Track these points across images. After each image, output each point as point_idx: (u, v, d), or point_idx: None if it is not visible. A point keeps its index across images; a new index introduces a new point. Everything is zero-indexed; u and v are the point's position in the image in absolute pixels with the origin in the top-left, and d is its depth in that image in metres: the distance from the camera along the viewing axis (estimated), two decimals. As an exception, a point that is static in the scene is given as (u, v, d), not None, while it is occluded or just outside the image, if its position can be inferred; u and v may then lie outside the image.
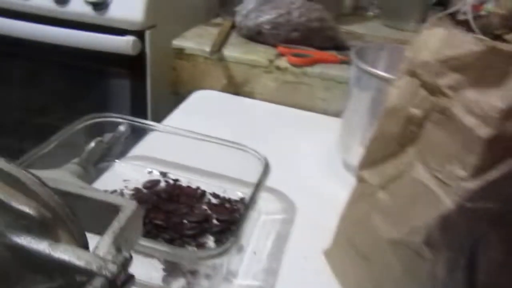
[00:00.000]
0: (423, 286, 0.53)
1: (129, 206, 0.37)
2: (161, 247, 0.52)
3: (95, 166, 0.53)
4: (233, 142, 0.75)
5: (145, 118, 0.87)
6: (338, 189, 0.70)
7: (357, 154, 0.62)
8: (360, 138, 0.82)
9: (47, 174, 0.36)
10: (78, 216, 0.33)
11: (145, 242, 0.51)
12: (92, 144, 0.56)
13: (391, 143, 0.55)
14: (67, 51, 1.19)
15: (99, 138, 0.58)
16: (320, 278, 0.64)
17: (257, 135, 0.95)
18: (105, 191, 0.72)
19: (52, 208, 0.31)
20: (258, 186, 0.65)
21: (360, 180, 0.61)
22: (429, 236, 0.50)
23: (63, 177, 0.41)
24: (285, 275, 0.64)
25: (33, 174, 0.32)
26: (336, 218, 0.64)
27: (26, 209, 0.29)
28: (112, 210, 0.37)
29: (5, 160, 0.31)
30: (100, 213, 0.37)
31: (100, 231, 0.34)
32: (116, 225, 0.34)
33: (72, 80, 1.32)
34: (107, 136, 0.62)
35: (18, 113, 1.41)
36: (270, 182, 0.69)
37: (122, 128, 0.68)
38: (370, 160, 0.59)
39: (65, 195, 0.35)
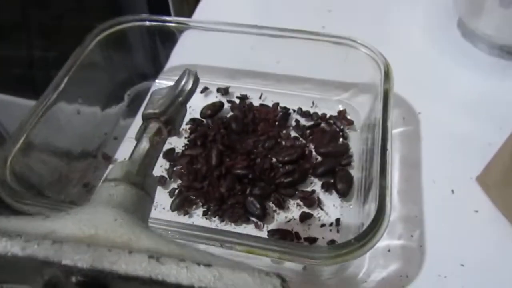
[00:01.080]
0: None
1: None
2: (274, 246, 0.33)
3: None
4: (313, 33, 0.49)
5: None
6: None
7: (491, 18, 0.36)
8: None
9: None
10: None
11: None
12: (149, 128, 0.27)
13: None
14: None
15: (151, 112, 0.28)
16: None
17: (338, 15, 0.68)
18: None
19: None
20: (386, 100, 0.42)
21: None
22: None
23: (105, 230, 0.19)
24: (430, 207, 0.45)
25: None
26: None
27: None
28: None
29: None
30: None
31: None
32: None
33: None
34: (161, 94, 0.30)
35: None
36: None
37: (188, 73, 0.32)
38: None
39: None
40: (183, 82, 0.28)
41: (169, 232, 0.34)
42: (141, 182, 0.24)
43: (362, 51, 0.47)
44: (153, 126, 0.26)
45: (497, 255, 0.43)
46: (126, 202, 0.22)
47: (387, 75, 0.44)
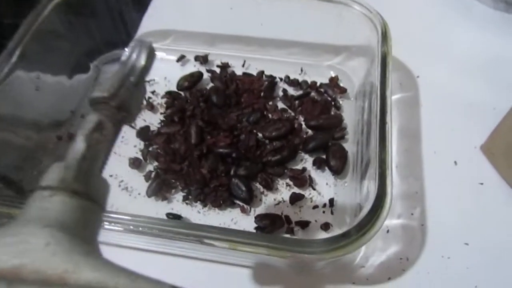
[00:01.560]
0: None
1: None
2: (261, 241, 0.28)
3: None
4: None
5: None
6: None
7: None
8: None
9: None
10: None
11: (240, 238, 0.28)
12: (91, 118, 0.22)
13: None
14: None
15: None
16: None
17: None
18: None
19: None
20: (384, 64, 0.37)
21: None
22: None
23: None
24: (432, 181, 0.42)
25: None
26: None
27: None
28: None
29: None
30: None
31: None
32: None
33: None
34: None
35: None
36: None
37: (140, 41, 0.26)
38: None
39: None
40: (133, 57, 0.22)
41: (140, 228, 0.30)
42: (84, 189, 0.19)
43: (356, 10, 0.41)
44: (91, 119, 0.21)
45: (504, 232, 0.40)
46: (65, 218, 0.17)
47: (384, 36, 0.39)
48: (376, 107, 0.34)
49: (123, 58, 0.23)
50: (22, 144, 0.43)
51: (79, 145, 0.19)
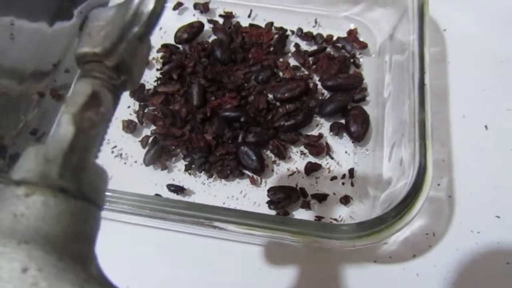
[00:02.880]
0: None
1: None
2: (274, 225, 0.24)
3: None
4: None
5: None
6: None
7: None
8: None
9: None
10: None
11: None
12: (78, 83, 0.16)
13: None
14: None
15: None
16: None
17: None
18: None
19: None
20: (422, 18, 0.31)
21: None
22: None
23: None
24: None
25: None
26: None
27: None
28: None
29: None
30: None
31: None
32: None
33: None
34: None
35: None
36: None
37: None
38: None
39: None
40: (137, 0, 0.16)
41: (141, 211, 0.26)
42: (74, 185, 0.14)
43: None
44: (82, 89, 0.15)
45: None
46: (49, 228, 0.12)
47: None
48: (412, 67, 0.29)
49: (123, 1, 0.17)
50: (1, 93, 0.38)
51: (65, 129, 0.14)
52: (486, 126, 0.39)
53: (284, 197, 0.34)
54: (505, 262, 0.34)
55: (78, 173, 0.14)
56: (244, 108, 0.37)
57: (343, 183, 0.36)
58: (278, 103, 0.38)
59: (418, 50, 0.30)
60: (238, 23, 0.43)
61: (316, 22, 0.43)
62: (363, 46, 0.41)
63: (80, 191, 0.14)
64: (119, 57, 0.16)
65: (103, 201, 0.15)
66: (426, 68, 0.29)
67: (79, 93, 0.15)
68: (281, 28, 0.42)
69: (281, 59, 0.41)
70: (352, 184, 0.36)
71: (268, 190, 0.34)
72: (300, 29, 0.42)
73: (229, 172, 0.36)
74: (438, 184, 0.37)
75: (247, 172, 0.36)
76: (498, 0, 0.46)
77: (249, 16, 0.44)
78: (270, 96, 0.39)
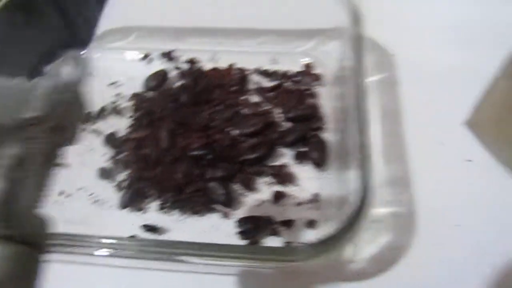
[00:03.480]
0: None
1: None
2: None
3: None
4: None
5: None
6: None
7: None
8: None
9: None
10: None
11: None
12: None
13: None
14: None
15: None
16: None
17: None
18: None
19: None
20: (358, 46, 0.35)
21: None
22: None
23: None
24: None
25: None
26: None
27: None
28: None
29: None
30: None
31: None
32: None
33: None
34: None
35: None
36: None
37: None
38: None
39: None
40: (65, 71, 0.19)
41: (108, 252, 0.27)
42: (11, 231, 0.15)
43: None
44: (10, 153, 0.16)
45: (496, 210, 0.38)
46: None
47: (356, 16, 0.37)
48: (352, 93, 0.32)
49: (51, 71, 0.19)
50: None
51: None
52: (440, 141, 0.42)
53: (253, 227, 0.36)
54: (469, 269, 0.36)
55: (13, 220, 0.16)
56: (211, 146, 0.40)
57: (309, 208, 0.38)
58: (242, 139, 0.41)
59: (355, 77, 0.32)
60: (201, 67, 0.46)
61: (273, 59, 0.47)
62: (318, 78, 0.44)
63: (19, 235, 0.16)
64: (56, 119, 0.18)
65: (44, 245, 0.17)
66: (363, 93, 0.32)
67: (8, 156, 0.17)
68: (242, 69, 0.46)
69: (243, 97, 0.44)
70: (317, 208, 0.38)
71: (237, 221, 0.36)
72: (259, 68, 0.46)
73: (200, 208, 0.38)
74: (400, 200, 0.39)
75: (217, 206, 0.38)
76: (440, 22, 0.50)
77: (211, 60, 0.47)
78: (236, 132, 0.41)
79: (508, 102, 0.38)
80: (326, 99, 0.43)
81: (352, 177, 0.33)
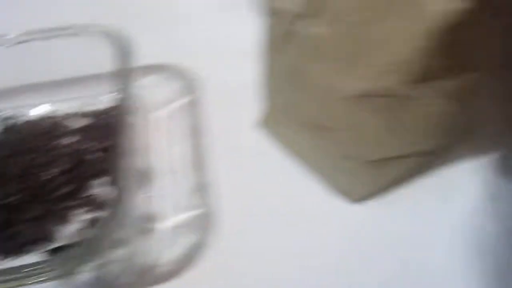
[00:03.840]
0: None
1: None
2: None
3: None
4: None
5: None
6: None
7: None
8: None
9: None
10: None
11: None
12: None
13: None
14: None
15: None
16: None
17: None
18: None
19: None
20: (124, 78, 0.40)
21: (274, 12, 0.39)
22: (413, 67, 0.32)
23: None
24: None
25: None
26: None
27: None
28: None
29: None
30: None
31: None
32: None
33: None
34: None
35: None
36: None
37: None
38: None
39: None
40: None
41: None
42: None
43: (96, 35, 0.44)
44: None
45: (289, 200, 0.44)
46: None
47: (126, 53, 0.42)
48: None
49: None
50: None
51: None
52: (236, 145, 0.48)
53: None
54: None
55: None
56: (22, 191, 0.43)
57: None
58: (54, 178, 0.44)
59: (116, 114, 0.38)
60: (15, 123, 0.50)
61: (84, 102, 0.51)
62: (125, 111, 0.49)
63: None
64: None
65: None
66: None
67: None
68: (52, 117, 0.50)
69: (55, 142, 0.48)
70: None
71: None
72: (68, 113, 0.50)
73: (18, 252, 0.40)
74: (203, 203, 0.44)
75: (33, 247, 0.41)
76: (218, 42, 0.58)
77: (23, 115, 0.50)
78: (48, 173, 0.45)
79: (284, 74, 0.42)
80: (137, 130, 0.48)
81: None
